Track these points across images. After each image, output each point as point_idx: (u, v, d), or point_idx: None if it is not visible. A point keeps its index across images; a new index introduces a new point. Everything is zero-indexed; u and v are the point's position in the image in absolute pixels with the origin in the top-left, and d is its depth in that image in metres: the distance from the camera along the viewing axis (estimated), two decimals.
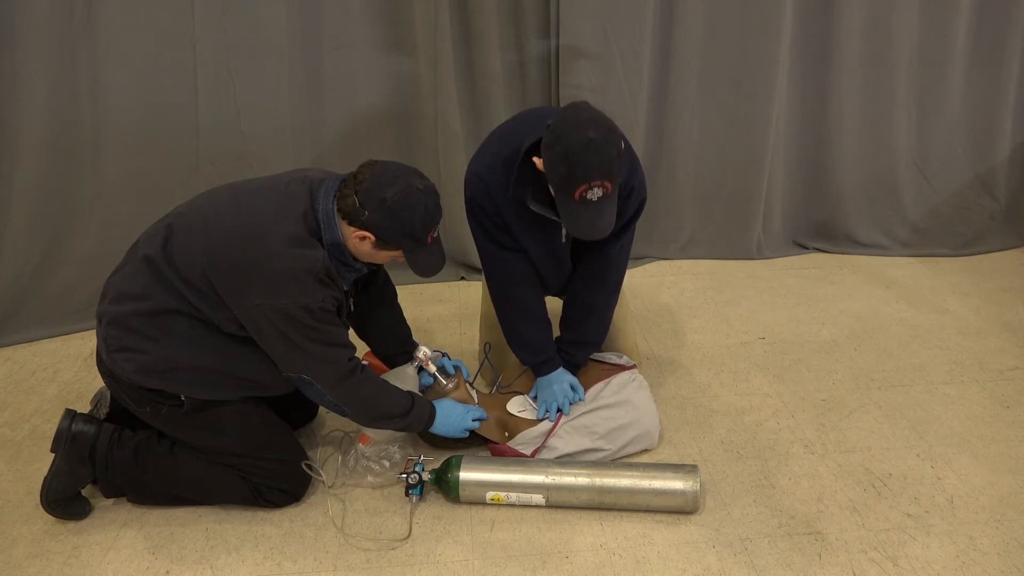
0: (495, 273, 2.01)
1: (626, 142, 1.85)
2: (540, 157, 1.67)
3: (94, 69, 2.48)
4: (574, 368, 2.08)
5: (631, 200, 1.87)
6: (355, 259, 1.73)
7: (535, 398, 2.05)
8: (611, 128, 1.64)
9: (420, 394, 1.93)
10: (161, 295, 1.65)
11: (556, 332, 2.11)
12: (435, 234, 1.72)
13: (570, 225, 1.69)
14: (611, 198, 1.65)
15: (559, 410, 1.98)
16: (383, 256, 1.72)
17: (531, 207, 1.81)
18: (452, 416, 1.88)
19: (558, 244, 1.93)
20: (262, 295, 1.58)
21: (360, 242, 1.67)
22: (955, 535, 1.73)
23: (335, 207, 1.66)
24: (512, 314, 2.04)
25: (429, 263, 1.74)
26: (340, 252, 1.69)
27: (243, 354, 1.69)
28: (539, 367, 2.05)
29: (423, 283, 2.89)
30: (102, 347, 1.73)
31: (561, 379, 2.03)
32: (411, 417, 1.81)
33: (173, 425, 1.77)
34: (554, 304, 2.10)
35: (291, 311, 1.58)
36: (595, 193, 1.61)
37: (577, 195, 1.61)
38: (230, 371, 1.72)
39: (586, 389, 2.05)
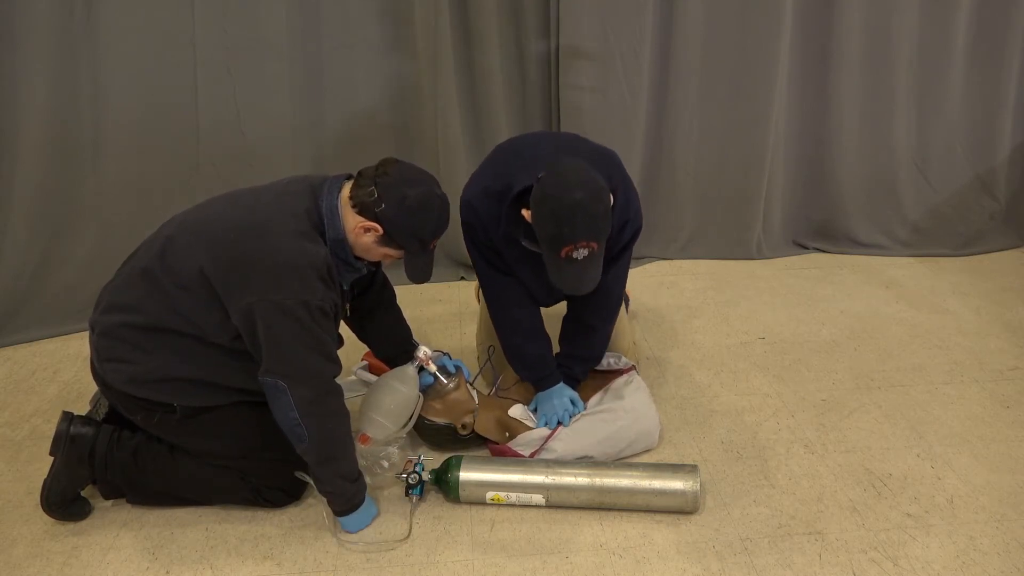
0: (492, 294, 2.02)
1: (622, 172, 1.86)
2: (528, 207, 1.69)
3: (94, 69, 2.48)
4: (574, 382, 2.08)
5: (625, 231, 1.89)
6: (356, 257, 1.74)
7: (535, 411, 2.05)
8: (600, 188, 1.66)
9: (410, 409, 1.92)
10: (153, 309, 1.65)
11: (555, 345, 2.10)
12: (435, 243, 1.75)
13: (555, 280, 1.72)
14: (597, 256, 1.68)
15: (559, 423, 1.98)
16: (380, 252, 1.72)
17: (523, 243, 1.83)
18: (364, 519, 1.78)
19: None
20: (262, 291, 1.57)
21: (363, 234, 1.67)
22: (955, 535, 1.73)
23: (348, 194, 1.67)
24: (510, 333, 2.05)
25: (423, 269, 1.76)
26: (342, 249, 1.69)
27: (234, 366, 1.69)
28: (539, 382, 2.05)
29: (422, 283, 2.89)
30: (94, 356, 1.74)
31: (562, 394, 2.03)
32: (349, 485, 1.72)
33: (167, 430, 1.77)
34: (554, 312, 2.10)
35: (289, 307, 1.57)
36: (581, 253, 1.64)
37: (563, 254, 1.64)
38: (221, 382, 1.71)
39: (586, 400, 2.05)
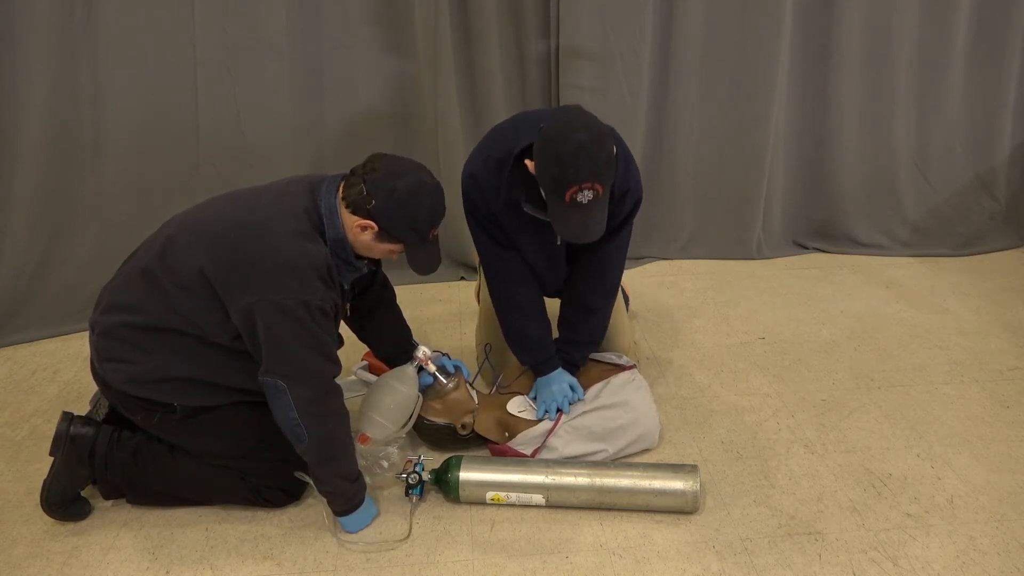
0: (493, 271, 2.01)
1: (622, 145, 1.86)
2: (532, 160, 1.68)
3: (94, 69, 2.48)
4: (573, 368, 2.08)
5: (626, 200, 1.88)
6: (357, 257, 1.73)
7: (535, 399, 2.05)
8: (603, 131, 1.65)
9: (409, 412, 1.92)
10: (153, 309, 1.65)
11: (555, 333, 2.11)
12: (436, 232, 1.73)
13: (560, 228, 1.70)
14: (601, 202, 1.66)
15: (559, 410, 1.98)
16: (381, 249, 1.72)
17: (525, 209, 1.82)
18: (364, 519, 1.78)
19: (552, 245, 1.93)
20: (262, 290, 1.57)
21: (360, 232, 1.67)
22: (955, 535, 1.73)
23: (339, 196, 1.67)
24: (511, 313, 2.04)
25: (427, 261, 1.75)
26: (342, 248, 1.69)
27: (234, 366, 1.69)
28: (538, 367, 2.05)
29: (423, 283, 2.89)
30: (94, 356, 1.74)
31: (560, 379, 2.03)
32: (348, 485, 1.72)
33: (167, 430, 1.77)
34: (553, 305, 2.10)
35: (289, 306, 1.57)
36: (585, 196, 1.62)
37: (567, 197, 1.63)
38: (221, 382, 1.72)
39: (585, 389, 2.05)
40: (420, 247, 1.71)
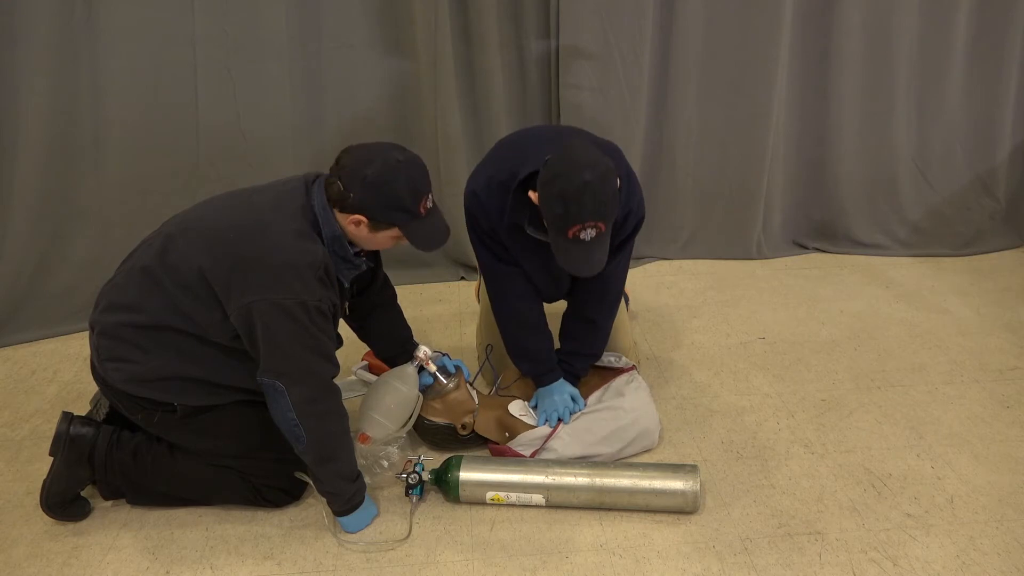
0: (495, 286, 2.01)
1: (623, 162, 1.86)
2: (535, 191, 1.69)
3: (94, 69, 2.48)
4: (574, 379, 2.08)
5: (628, 221, 1.89)
6: (356, 254, 1.73)
7: (535, 407, 2.05)
8: (608, 169, 1.66)
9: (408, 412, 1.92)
10: (153, 307, 1.65)
11: (555, 341, 2.10)
12: (428, 204, 1.70)
13: (562, 261, 1.71)
14: (604, 237, 1.67)
15: (559, 420, 1.98)
16: (383, 239, 1.71)
17: (528, 231, 1.82)
18: (364, 519, 1.78)
19: (553, 264, 1.93)
20: (260, 290, 1.57)
21: (356, 228, 1.67)
22: (955, 535, 1.73)
23: (326, 197, 1.67)
24: (512, 326, 2.04)
25: (429, 235, 1.72)
26: (340, 245, 1.69)
27: (234, 365, 1.69)
28: (540, 378, 2.05)
29: (422, 283, 2.90)
30: (94, 355, 1.74)
31: (562, 390, 2.03)
32: (348, 485, 1.73)
33: (168, 430, 1.77)
34: (554, 309, 2.10)
35: (287, 306, 1.57)
36: (588, 233, 1.63)
37: (570, 234, 1.64)
38: (221, 381, 1.71)
39: (586, 397, 2.05)
40: (414, 224, 1.68)
